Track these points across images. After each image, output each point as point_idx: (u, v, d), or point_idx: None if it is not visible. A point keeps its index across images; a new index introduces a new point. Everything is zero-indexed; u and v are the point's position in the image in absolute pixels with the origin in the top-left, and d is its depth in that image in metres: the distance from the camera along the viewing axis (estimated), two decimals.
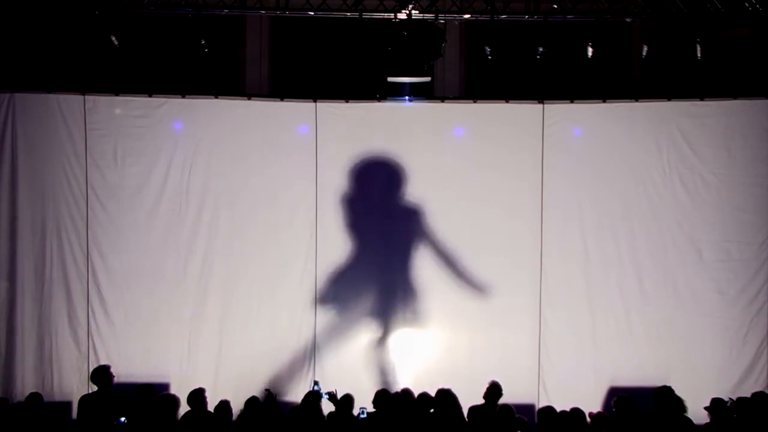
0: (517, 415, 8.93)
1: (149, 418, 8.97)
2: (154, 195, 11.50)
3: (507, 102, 11.71)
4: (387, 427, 9.17)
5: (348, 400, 9.47)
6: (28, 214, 11.33)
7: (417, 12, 10.83)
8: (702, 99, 11.56)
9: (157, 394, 9.44)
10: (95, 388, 9.79)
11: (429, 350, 11.62)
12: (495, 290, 11.60)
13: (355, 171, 11.66)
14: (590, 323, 11.56)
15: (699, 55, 10.95)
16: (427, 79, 11.21)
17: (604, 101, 11.68)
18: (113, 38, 10.98)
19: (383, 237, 11.67)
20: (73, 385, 11.26)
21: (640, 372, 11.36)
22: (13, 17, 11.12)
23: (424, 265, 11.67)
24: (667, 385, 9.52)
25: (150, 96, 11.52)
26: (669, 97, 11.64)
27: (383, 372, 11.53)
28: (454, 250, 11.64)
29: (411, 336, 11.64)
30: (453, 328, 11.63)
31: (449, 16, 11.12)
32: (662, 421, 9.09)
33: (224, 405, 9.10)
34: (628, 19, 11.37)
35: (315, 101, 11.61)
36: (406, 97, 11.66)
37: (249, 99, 11.69)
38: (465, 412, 9.51)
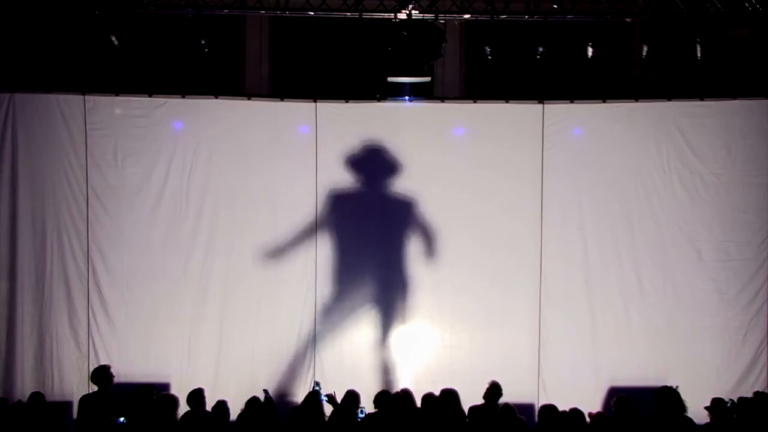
0: (519, 416, 8.91)
1: (149, 418, 8.97)
2: (154, 195, 11.50)
3: (507, 102, 11.71)
4: (387, 427, 9.17)
5: (353, 397, 9.47)
6: (28, 214, 11.33)
7: (417, 12, 10.84)
8: (702, 99, 11.56)
9: (157, 394, 9.44)
10: (95, 388, 9.81)
11: (429, 350, 11.62)
12: (495, 290, 11.59)
13: (355, 171, 11.66)
14: (590, 323, 11.56)
15: (699, 55, 10.96)
16: (427, 79, 11.23)
17: (604, 101, 11.67)
18: (113, 38, 10.98)
19: (383, 236, 11.67)
20: (73, 385, 11.26)
21: (639, 372, 11.36)
22: (13, 17, 11.12)
23: (423, 265, 11.67)
24: (667, 385, 9.53)
25: (150, 96, 11.52)
26: (669, 97, 11.64)
27: (383, 372, 11.53)
28: (454, 250, 11.65)
29: (411, 335, 11.64)
30: (453, 328, 11.63)
31: (449, 16, 11.13)
32: (662, 421, 9.09)
33: (221, 405, 9.09)
34: (628, 19, 11.39)
35: (315, 101, 11.61)
36: (406, 97, 11.67)
37: (249, 99, 11.69)
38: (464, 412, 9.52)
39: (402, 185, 11.68)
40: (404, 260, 11.66)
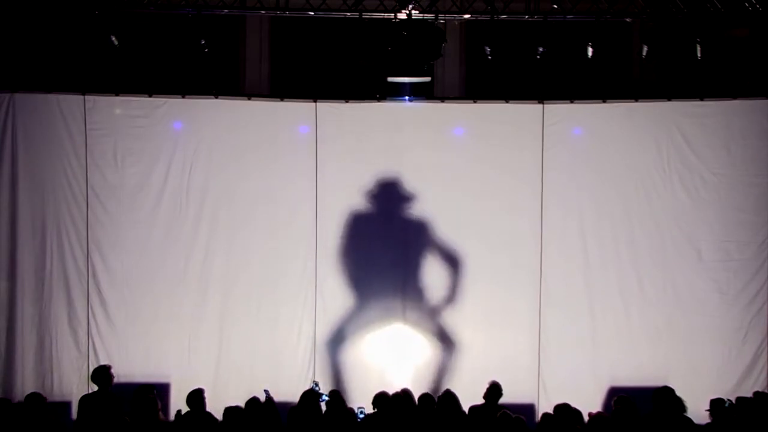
0: (515, 415, 8.89)
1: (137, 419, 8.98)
2: (154, 195, 11.50)
3: (507, 102, 11.71)
4: (386, 428, 9.17)
5: (336, 395, 9.50)
6: (28, 214, 11.33)
7: (417, 12, 10.84)
8: (702, 99, 11.57)
9: (156, 395, 9.44)
10: (95, 388, 9.80)
11: (429, 350, 11.61)
12: (495, 290, 11.59)
13: (354, 171, 11.65)
14: (590, 323, 11.57)
15: (699, 55, 10.95)
16: (427, 79, 11.23)
17: (604, 101, 11.68)
18: (113, 38, 10.98)
19: (383, 237, 11.67)
20: (73, 385, 11.27)
21: (639, 372, 11.36)
22: (13, 17, 11.11)
23: (423, 265, 11.67)
24: (667, 385, 9.54)
25: (150, 96, 11.53)
26: (669, 97, 11.64)
27: (383, 372, 11.52)
28: (454, 250, 11.65)
29: (411, 335, 11.64)
30: (453, 328, 11.62)
31: (449, 16, 11.12)
32: (663, 421, 9.09)
33: (234, 411, 9.01)
34: (628, 19, 11.39)
35: (315, 101, 11.61)
36: (406, 97, 11.66)
37: (249, 99, 11.70)
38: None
39: (402, 185, 11.67)
40: (403, 259, 11.66)
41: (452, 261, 11.65)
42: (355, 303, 11.64)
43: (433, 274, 11.67)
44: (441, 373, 11.52)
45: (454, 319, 11.62)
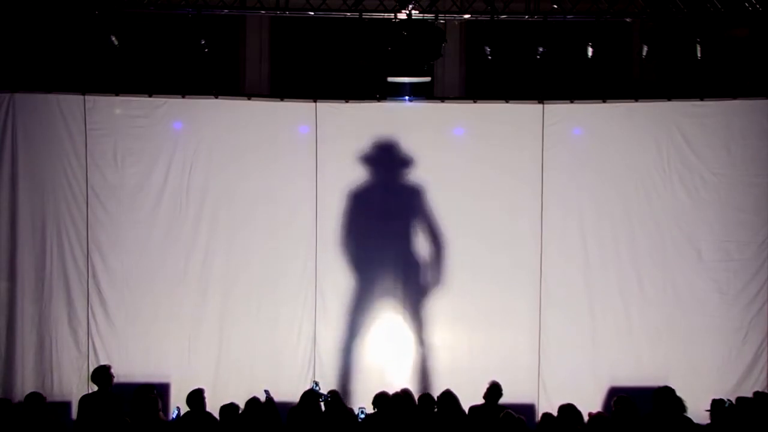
0: (516, 416, 8.90)
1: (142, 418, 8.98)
2: (154, 195, 11.50)
3: (507, 102, 11.71)
4: (387, 428, 9.17)
5: (336, 395, 9.50)
6: (28, 214, 11.33)
7: (417, 12, 10.84)
8: (702, 99, 11.57)
9: (156, 394, 9.43)
10: (95, 388, 9.80)
11: (428, 350, 11.61)
12: (495, 290, 11.59)
13: (355, 171, 11.66)
14: (590, 323, 11.56)
15: (699, 55, 10.95)
16: (427, 79, 11.23)
17: (604, 101, 11.68)
18: (113, 38, 10.98)
19: (383, 236, 11.67)
20: (73, 385, 11.26)
21: (639, 372, 11.36)
22: (13, 17, 11.11)
23: (424, 259, 11.67)
24: (667, 385, 9.53)
25: (150, 96, 11.52)
26: (669, 97, 11.64)
27: (383, 372, 11.52)
28: (453, 249, 11.64)
29: (411, 336, 11.64)
30: (453, 328, 11.63)
31: (449, 16, 11.13)
32: (662, 421, 9.09)
33: (230, 408, 9.02)
34: (628, 19, 11.39)
35: (315, 101, 11.61)
36: (406, 97, 11.67)
37: (249, 99, 11.70)
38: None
39: (401, 185, 11.68)
40: (403, 259, 11.66)
41: (438, 246, 11.63)
42: (356, 303, 11.63)
43: (433, 272, 11.67)
44: (424, 371, 11.53)
45: (454, 319, 11.61)
